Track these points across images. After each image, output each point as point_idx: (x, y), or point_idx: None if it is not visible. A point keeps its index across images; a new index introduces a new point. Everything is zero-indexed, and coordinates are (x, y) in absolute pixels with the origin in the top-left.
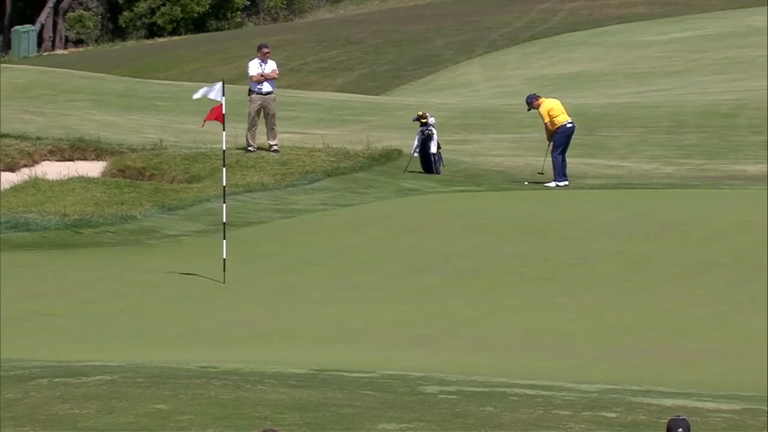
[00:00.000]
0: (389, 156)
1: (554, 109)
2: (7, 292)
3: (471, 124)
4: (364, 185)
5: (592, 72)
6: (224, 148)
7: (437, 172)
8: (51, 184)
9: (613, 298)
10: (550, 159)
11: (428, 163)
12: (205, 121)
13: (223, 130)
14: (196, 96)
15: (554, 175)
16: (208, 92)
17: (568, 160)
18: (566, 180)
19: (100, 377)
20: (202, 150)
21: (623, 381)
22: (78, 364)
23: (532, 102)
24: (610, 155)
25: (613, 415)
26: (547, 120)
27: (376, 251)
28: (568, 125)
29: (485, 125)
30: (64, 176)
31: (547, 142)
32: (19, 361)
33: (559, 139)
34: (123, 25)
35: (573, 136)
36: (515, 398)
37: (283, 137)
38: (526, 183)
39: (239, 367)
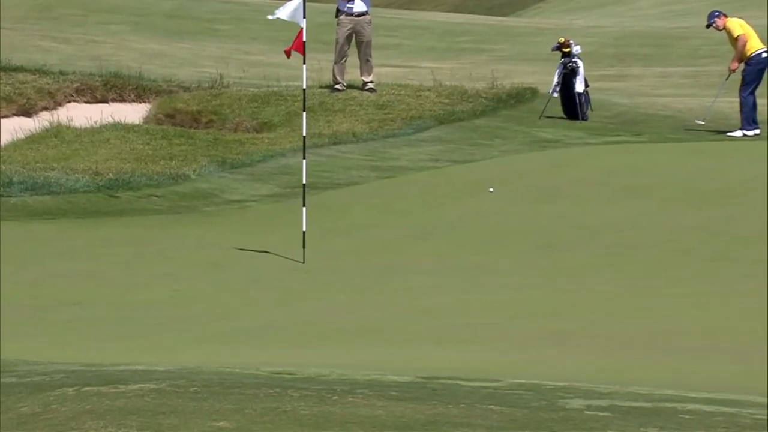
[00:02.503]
0: (520, 97)
1: (745, 31)
2: (23, 273)
3: (630, 54)
4: (487, 135)
5: None
6: (305, 87)
7: (584, 118)
8: (78, 134)
9: None
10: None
11: (572, 105)
12: (289, 50)
13: (303, 63)
14: (275, 16)
15: (742, 122)
16: (286, 12)
17: (758, 101)
18: (758, 128)
19: (142, 386)
20: (275, 89)
21: None
22: (114, 369)
23: (714, 20)
24: None
25: None
26: (740, 32)
27: (502, 222)
28: (764, 54)
29: (649, 55)
30: (95, 123)
31: (727, 72)
32: (38, 364)
33: (750, 73)
34: None
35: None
36: (687, 416)
37: (381, 72)
38: (701, 122)
39: (323, 373)
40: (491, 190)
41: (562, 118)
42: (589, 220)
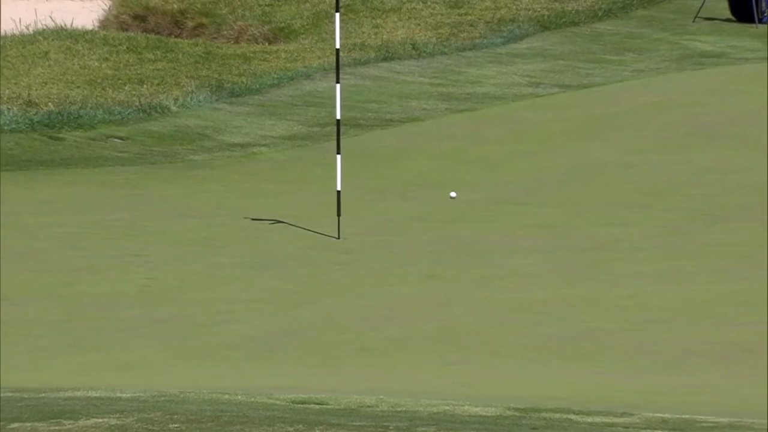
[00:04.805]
0: None
1: None
2: None
3: None
4: (614, 47)
5: None
6: None
7: (761, 20)
8: (2, 44)
9: None
10: None
11: (744, 2)
12: None
13: None
14: None
15: None
16: None
17: None
18: None
19: (99, 420)
20: None
21: None
22: (57, 396)
23: None
24: None
25: None
26: None
27: (636, 178)
28: None
29: None
30: (26, 28)
31: None
32: None
33: None
34: None
35: None
36: None
37: None
38: None
39: (368, 402)
40: (453, 195)
41: (728, 20)
42: None
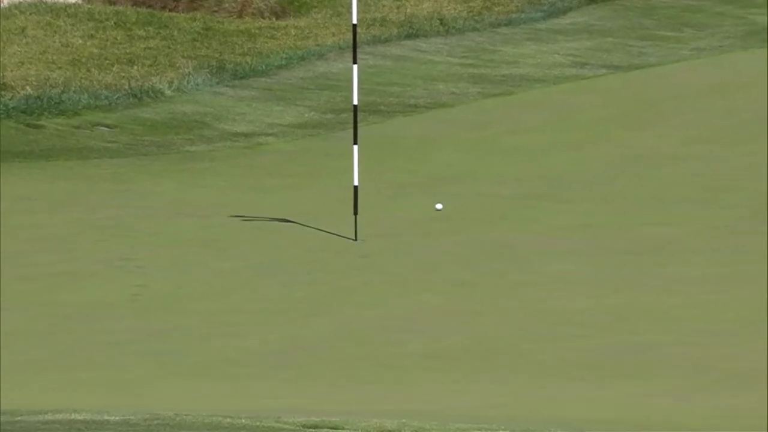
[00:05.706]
0: None
1: None
2: None
3: None
4: (669, 21)
5: None
6: None
7: None
8: None
9: None
10: None
11: None
12: None
13: None
14: None
15: None
16: None
17: None
18: None
19: None
20: None
21: None
22: (36, 419)
23: None
24: None
25: None
26: None
27: (695, 171)
28: None
29: None
30: (1, 0)
31: None
32: None
33: None
34: None
35: None
36: None
37: None
38: None
39: (388, 426)
40: (439, 207)
41: None
42: None
